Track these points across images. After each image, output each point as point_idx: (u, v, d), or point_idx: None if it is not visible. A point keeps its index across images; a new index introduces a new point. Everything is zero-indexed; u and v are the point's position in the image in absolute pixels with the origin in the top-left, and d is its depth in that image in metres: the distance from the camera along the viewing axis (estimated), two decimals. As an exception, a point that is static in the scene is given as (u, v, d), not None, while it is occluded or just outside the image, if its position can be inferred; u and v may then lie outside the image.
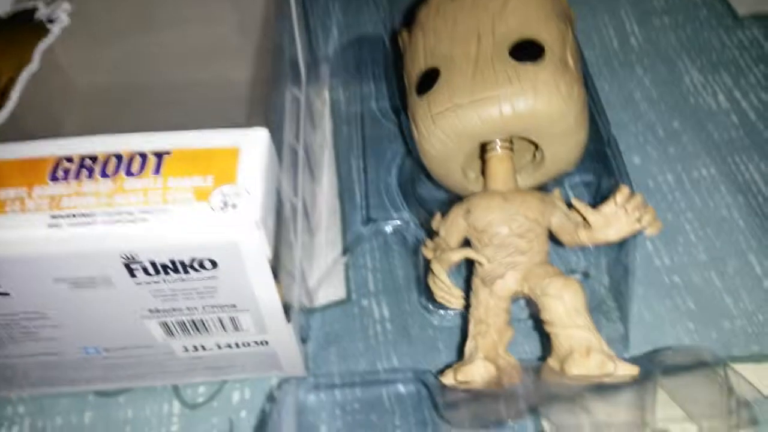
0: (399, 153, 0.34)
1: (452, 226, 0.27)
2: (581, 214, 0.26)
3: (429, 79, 0.27)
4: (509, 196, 0.26)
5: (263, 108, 0.24)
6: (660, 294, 0.31)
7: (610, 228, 0.25)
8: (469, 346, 0.26)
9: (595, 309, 0.29)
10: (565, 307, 0.24)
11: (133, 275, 0.22)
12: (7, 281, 0.22)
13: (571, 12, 0.30)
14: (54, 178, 0.21)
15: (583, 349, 0.23)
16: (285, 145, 0.27)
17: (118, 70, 0.25)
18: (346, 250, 0.33)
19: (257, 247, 0.21)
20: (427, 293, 0.29)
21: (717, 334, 0.29)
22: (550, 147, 0.27)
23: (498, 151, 0.27)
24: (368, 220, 0.32)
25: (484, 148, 0.28)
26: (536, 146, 0.28)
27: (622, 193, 0.25)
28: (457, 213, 0.27)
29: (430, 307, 0.30)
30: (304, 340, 0.29)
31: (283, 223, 0.24)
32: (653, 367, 0.23)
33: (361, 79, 0.38)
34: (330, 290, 0.32)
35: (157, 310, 0.24)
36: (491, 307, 0.25)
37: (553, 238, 0.27)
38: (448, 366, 0.26)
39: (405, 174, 0.33)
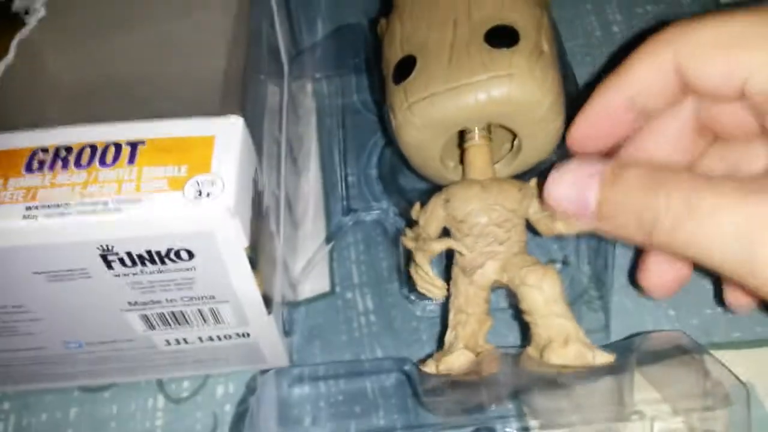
0: (379, 144, 0.34)
1: (431, 216, 0.27)
2: None
3: (406, 67, 0.27)
4: (487, 185, 0.26)
5: (238, 98, 0.24)
6: (642, 282, 0.31)
7: None
8: (449, 336, 0.26)
9: (577, 299, 0.30)
10: (544, 296, 0.24)
11: (110, 267, 0.22)
12: (-16, 275, 0.22)
13: None
14: (29, 170, 0.21)
15: (562, 339, 0.23)
16: (265, 136, 0.27)
17: (94, 61, 0.25)
18: (328, 240, 0.33)
19: (233, 236, 0.21)
20: (409, 283, 0.29)
21: (698, 321, 0.30)
22: (528, 134, 0.27)
23: (476, 139, 0.27)
24: (348, 210, 0.32)
25: (462, 137, 0.28)
26: (514, 135, 0.28)
27: None
28: (436, 203, 0.27)
29: (412, 297, 0.30)
30: (288, 333, 0.29)
31: (262, 213, 0.24)
32: (631, 352, 0.23)
33: (343, 71, 0.38)
34: (314, 283, 0.32)
35: (136, 303, 0.24)
36: (471, 297, 0.26)
37: (532, 228, 0.27)
38: (429, 356, 0.26)
39: (385, 164, 0.33)
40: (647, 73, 0.22)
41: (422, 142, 0.27)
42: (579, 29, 0.40)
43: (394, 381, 0.25)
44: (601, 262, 0.29)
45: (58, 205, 0.20)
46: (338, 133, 0.36)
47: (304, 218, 0.34)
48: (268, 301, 0.25)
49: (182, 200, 0.20)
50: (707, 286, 0.30)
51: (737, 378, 0.22)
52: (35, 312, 0.24)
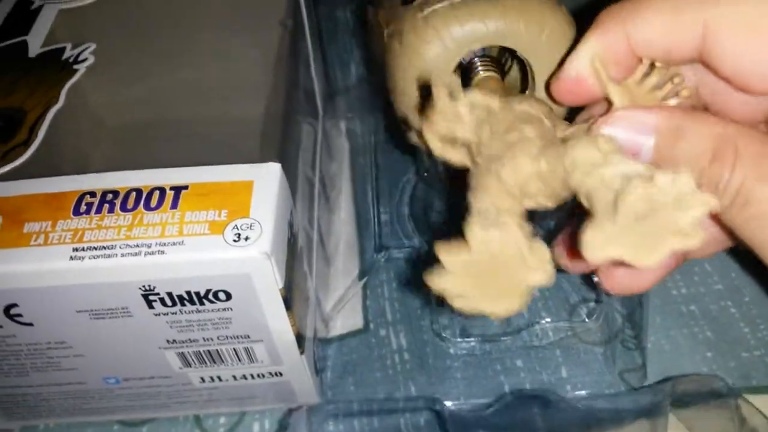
0: (411, 182, 0.35)
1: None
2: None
3: None
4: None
5: (277, 142, 0.24)
6: (678, 323, 0.31)
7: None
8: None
9: (612, 338, 0.29)
10: (600, 149, 0.17)
11: (151, 306, 0.22)
12: (31, 312, 0.23)
13: None
14: (77, 212, 0.22)
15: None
16: (300, 177, 0.28)
17: (139, 107, 0.26)
18: (361, 277, 0.33)
19: (269, 279, 0.21)
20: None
21: (735, 363, 0.29)
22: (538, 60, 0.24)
23: (480, 74, 0.25)
24: (381, 247, 0.32)
25: (468, 76, 0.25)
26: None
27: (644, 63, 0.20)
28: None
29: (442, 334, 0.30)
30: (320, 370, 0.29)
31: (296, 254, 0.25)
32: (665, 395, 0.23)
33: (375, 110, 0.38)
34: (348, 320, 0.32)
35: (174, 341, 0.24)
36: (501, 194, 0.19)
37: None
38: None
39: (417, 202, 0.33)
40: (662, 27, 0.18)
41: (432, 60, 0.24)
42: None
43: (430, 421, 0.25)
44: (635, 301, 0.29)
45: (104, 247, 0.21)
46: (371, 171, 0.36)
47: (336, 255, 0.34)
48: (300, 340, 0.25)
49: (222, 244, 0.21)
50: (745, 329, 0.30)
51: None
52: (78, 348, 0.25)
